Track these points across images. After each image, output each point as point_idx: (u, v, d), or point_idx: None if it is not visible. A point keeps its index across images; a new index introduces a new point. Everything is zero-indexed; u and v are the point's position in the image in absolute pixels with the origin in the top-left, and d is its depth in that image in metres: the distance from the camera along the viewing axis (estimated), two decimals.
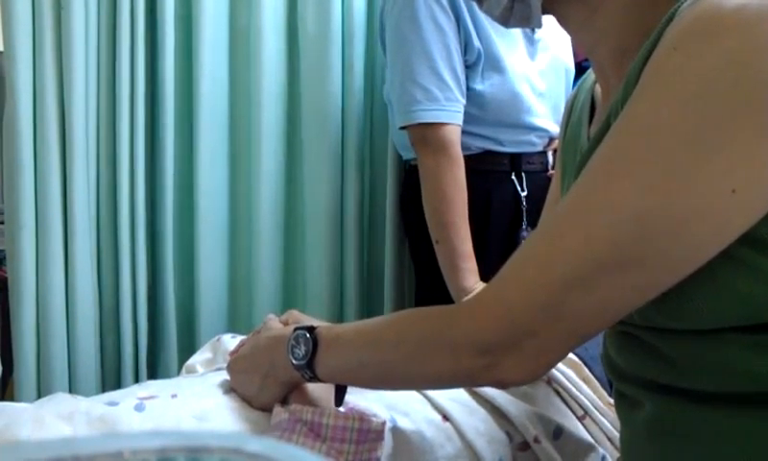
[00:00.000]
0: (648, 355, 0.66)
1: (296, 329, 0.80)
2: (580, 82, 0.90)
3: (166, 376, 1.63)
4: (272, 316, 1.00)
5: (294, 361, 0.79)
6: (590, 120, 0.81)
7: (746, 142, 0.54)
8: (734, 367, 0.60)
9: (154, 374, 1.69)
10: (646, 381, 0.68)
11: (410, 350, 0.69)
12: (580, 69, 1.74)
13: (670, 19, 0.60)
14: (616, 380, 0.74)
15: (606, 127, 0.65)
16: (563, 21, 0.75)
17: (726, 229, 0.56)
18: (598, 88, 0.81)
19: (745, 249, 0.57)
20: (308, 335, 0.78)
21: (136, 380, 1.62)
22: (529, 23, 0.76)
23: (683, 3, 0.61)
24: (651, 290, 0.59)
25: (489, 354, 0.62)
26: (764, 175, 0.55)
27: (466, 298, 0.69)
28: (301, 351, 0.79)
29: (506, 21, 0.78)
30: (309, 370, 0.78)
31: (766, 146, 0.54)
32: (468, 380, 0.70)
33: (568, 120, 0.89)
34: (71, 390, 1.54)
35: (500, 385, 0.67)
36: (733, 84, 0.55)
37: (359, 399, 0.92)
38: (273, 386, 0.85)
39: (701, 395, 0.63)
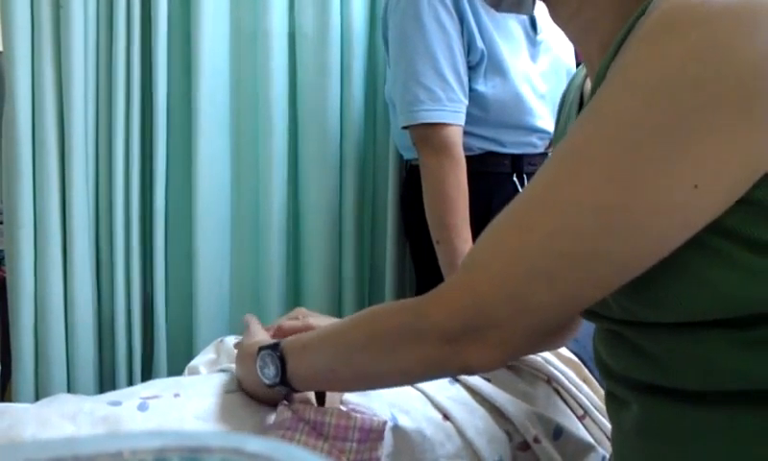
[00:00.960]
0: (633, 354, 0.66)
1: (260, 350, 0.82)
2: (570, 79, 0.90)
3: (160, 376, 1.63)
4: (252, 318, 0.99)
5: (266, 381, 0.81)
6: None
7: (708, 138, 0.55)
8: (718, 364, 0.60)
9: (151, 374, 1.68)
10: (633, 381, 0.68)
11: (379, 346, 0.70)
12: None
13: (642, 13, 0.61)
14: (606, 380, 0.74)
15: None
16: (553, 10, 0.75)
17: (688, 222, 0.56)
18: (587, 86, 0.81)
19: (718, 238, 0.57)
20: (274, 354, 0.79)
21: (131, 383, 1.61)
22: (520, 9, 0.77)
23: None
24: (614, 282, 0.60)
25: (455, 342, 0.63)
26: (726, 169, 0.55)
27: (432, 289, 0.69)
28: (271, 371, 0.80)
29: (497, 5, 0.78)
30: (284, 386, 0.80)
31: (727, 142, 0.54)
32: (437, 369, 0.70)
33: (559, 118, 0.89)
34: (69, 390, 1.54)
35: (467, 371, 0.68)
36: (696, 80, 0.55)
37: (360, 397, 0.92)
38: (266, 389, 0.86)
39: (686, 394, 0.63)
